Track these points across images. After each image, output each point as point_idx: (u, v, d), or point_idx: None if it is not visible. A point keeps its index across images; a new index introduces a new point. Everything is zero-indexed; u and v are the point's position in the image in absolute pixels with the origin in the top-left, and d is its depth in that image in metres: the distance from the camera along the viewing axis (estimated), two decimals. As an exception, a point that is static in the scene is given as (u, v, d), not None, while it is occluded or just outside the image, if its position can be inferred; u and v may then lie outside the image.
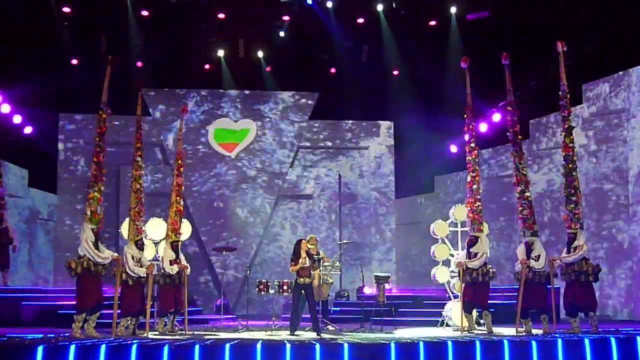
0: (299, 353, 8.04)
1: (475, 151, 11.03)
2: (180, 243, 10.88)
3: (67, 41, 16.59)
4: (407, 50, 17.76)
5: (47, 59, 16.34)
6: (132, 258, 9.83)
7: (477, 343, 8.37)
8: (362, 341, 8.83)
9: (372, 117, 18.69)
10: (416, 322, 12.28)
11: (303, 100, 18.51)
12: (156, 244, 11.42)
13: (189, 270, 10.85)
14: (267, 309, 15.57)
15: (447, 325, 11.49)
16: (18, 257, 14.70)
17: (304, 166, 18.52)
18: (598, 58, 14.54)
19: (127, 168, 15.91)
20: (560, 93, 10.57)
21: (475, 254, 10.48)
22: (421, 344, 8.28)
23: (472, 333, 10.27)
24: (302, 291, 10.36)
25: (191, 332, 10.40)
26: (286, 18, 17.38)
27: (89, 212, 9.42)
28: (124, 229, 10.76)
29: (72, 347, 7.76)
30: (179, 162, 11.38)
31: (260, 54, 18.08)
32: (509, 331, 10.25)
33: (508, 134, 10.84)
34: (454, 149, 16.96)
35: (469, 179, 10.98)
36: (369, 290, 13.69)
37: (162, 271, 10.56)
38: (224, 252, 13.57)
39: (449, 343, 8.34)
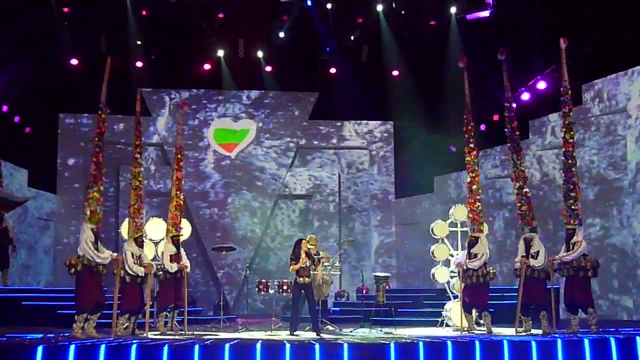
0: (298, 353, 8.03)
1: (475, 151, 11.02)
2: (180, 237, 10.87)
3: (67, 41, 16.60)
4: (407, 50, 17.77)
5: (47, 59, 16.34)
6: (132, 255, 9.82)
7: (477, 343, 8.36)
8: (361, 341, 8.83)
9: (372, 117, 18.70)
10: (416, 322, 12.28)
11: (303, 101, 18.52)
12: (156, 244, 11.42)
13: (188, 268, 10.85)
14: (267, 309, 15.58)
15: (447, 325, 11.49)
16: (18, 257, 14.70)
17: (304, 166, 18.53)
18: (598, 58, 14.52)
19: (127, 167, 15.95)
20: (561, 89, 10.56)
21: (475, 255, 10.48)
22: (421, 343, 8.27)
23: (472, 333, 10.27)
24: (302, 291, 10.36)
25: (191, 332, 10.40)
26: (286, 18, 17.39)
27: (88, 212, 9.40)
28: (124, 228, 10.76)
29: (72, 347, 7.74)
30: (179, 156, 11.37)
31: (260, 54, 18.10)
32: (508, 331, 10.26)
33: (506, 130, 10.83)
34: (453, 149, 16.96)
35: (468, 179, 10.97)
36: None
37: (162, 267, 10.55)
38: (224, 252, 13.57)
39: (449, 343, 8.33)
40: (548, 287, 10.21)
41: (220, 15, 17.15)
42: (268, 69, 18.23)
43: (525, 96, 15.73)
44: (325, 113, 18.54)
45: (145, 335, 9.68)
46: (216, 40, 17.58)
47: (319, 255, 11.76)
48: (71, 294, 10.76)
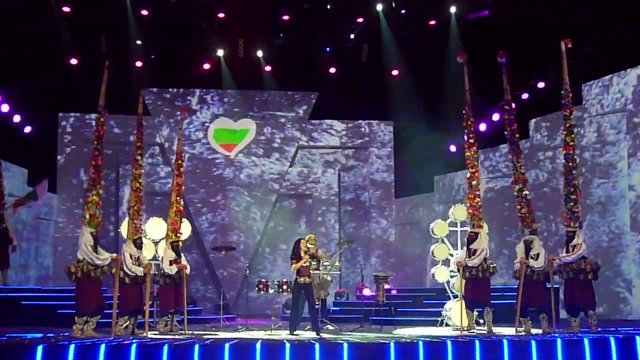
0: (298, 353, 8.02)
1: (474, 147, 10.99)
2: (180, 243, 10.88)
3: (67, 41, 16.59)
4: (407, 50, 17.76)
5: (47, 59, 16.34)
6: (131, 257, 9.82)
7: (477, 343, 8.36)
8: (361, 341, 8.83)
9: (372, 117, 18.70)
10: (416, 321, 12.27)
11: (303, 100, 18.52)
12: (156, 243, 11.42)
13: (188, 269, 10.85)
14: (266, 309, 15.57)
15: (447, 324, 11.48)
16: (18, 257, 14.69)
17: (304, 166, 18.52)
18: (598, 58, 14.52)
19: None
20: (562, 92, 10.55)
21: (475, 251, 10.46)
22: (421, 343, 8.27)
23: (472, 332, 10.26)
24: (302, 291, 10.35)
25: (191, 332, 10.40)
26: (286, 18, 17.36)
27: (87, 216, 9.40)
28: (124, 229, 10.76)
29: (72, 347, 7.74)
30: (179, 162, 11.37)
31: (260, 54, 18.09)
32: (508, 331, 10.25)
33: (505, 132, 10.83)
34: (453, 148, 16.95)
35: (468, 175, 10.95)
36: (368, 292, 13.69)
37: (162, 271, 10.56)
38: (224, 252, 13.57)
39: (449, 342, 8.32)
40: (547, 287, 10.22)
41: (220, 15, 17.14)
42: (268, 68, 18.22)
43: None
44: (325, 113, 18.54)
45: (145, 335, 9.68)
46: (216, 40, 17.57)
47: (319, 254, 11.74)
48: (71, 294, 10.76)
